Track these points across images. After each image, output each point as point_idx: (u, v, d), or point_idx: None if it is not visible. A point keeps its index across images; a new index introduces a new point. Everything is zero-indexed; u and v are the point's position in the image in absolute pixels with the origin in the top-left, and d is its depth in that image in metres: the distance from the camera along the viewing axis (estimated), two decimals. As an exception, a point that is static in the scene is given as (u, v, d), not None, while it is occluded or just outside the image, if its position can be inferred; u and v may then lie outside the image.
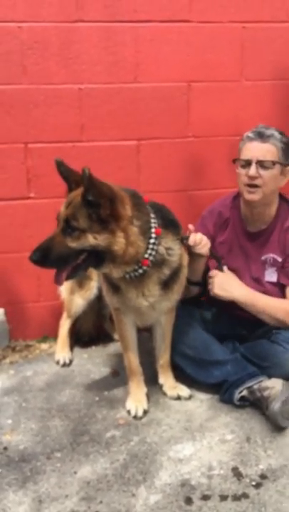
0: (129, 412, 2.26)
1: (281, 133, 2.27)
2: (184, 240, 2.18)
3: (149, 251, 1.99)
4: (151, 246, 1.99)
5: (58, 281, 1.98)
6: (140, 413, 2.24)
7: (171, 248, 2.09)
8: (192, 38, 2.78)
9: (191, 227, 2.24)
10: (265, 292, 2.36)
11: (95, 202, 1.83)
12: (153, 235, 2.00)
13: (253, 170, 2.21)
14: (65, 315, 2.88)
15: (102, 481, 1.87)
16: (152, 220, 2.01)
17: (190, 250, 2.24)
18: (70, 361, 2.77)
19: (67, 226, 1.88)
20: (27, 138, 2.73)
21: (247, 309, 2.32)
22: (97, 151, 2.80)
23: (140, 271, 2.02)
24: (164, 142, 2.88)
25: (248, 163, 2.24)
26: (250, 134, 2.27)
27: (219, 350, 2.37)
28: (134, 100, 2.79)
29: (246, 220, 2.45)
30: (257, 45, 2.85)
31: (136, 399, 2.30)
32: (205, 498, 1.77)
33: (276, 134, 2.24)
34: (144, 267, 2.01)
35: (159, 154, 2.89)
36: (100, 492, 1.82)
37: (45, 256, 1.89)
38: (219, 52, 2.82)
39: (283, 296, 2.35)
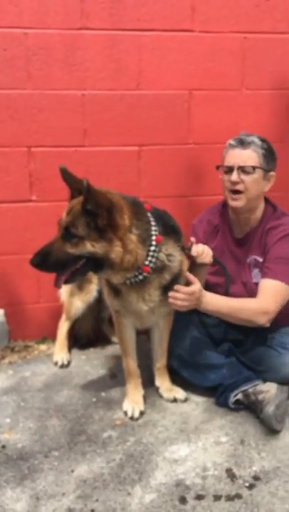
0: (125, 413, 2.30)
1: (262, 139, 2.34)
2: (186, 250, 2.22)
3: (149, 258, 2.04)
4: (151, 253, 2.04)
5: (57, 285, 2.04)
6: (137, 414, 2.28)
7: (172, 255, 2.13)
8: (194, 47, 2.84)
9: (192, 239, 2.29)
10: (253, 295, 2.40)
11: (93, 211, 1.89)
12: (153, 243, 2.05)
13: (234, 175, 2.28)
14: (64, 317, 2.92)
15: (99, 479, 1.91)
16: (153, 228, 2.05)
17: (193, 260, 2.28)
18: (68, 362, 2.81)
19: (67, 232, 1.94)
20: (30, 142, 2.78)
21: (217, 317, 2.32)
22: (99, 155, 2.85)
23: (140, 277, 2.07)
24: (164, 148, 2.93)
25: (230, 170, 2.31)
26: (232, 142, 2.35)
27: (215, 354, 2.41)
28: (136, 107, 2.84)
29: (234, 225, 2.51)
30: (257, 56, 2.91)
31: (133, 400, 2.34)
32: (199, 497, 1.81)
33: (256, 140, 2.31)
34: (145, 274, 2.06)
35: (159, 160, 2.94)
36: (96, 490, 1.86)
37: (44, 260, 1.96)
38: (220, 61, 2.88)
39: None
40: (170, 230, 2.16)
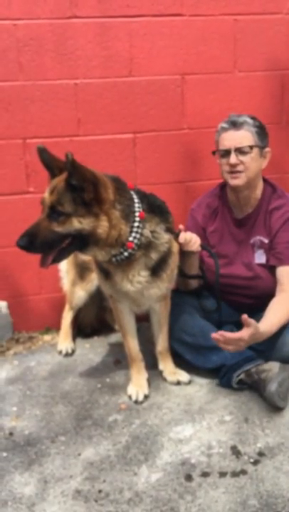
0: (130, 397, 2.33)
1: (253, 118, 2.36)
2: (174, 236, 2.23)
3: (133, 234, 2.04)
4: (135, 229, 2.04)
5: (44, 265, 2.00)
6: (141, 398, 2.31)
7: (157, 232, 2.13)
8: (184, 31, 2.82)
9: (181, 227, 2.31)
10: (256, 276, 2.41)
11: (78, 186, 1.89)
12: (137, 219, 2.05)
13: (233, 158, 2.29)
14: (67, 307, 2.94)
15: (105, 461, 1.94)
16: (136, 205, 2.06)
17: (181, 247, 2.30)
18: (73, 351, 2.84)
19: (53, 211, 1.92)
20: (25, 133, 2.78)
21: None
22: (94, 144, 2.86)
23: (126, 254, 2.05)
24: (159, 135, 2.93)
25: (227, 153, 2.32)
26: (224, 125, 2.36)
27: (217, 336, 2.42)
28: (129, 94, 2.84)
29: (234, 206, 2.52)
30: (249, 37, 2.90)
31: (137, 384, 2.37)
32: (205, 475, 1.83)
33: (248, 119, 2.33)
34: (130, 250, 2.05)
35: (154, 147, 2.94)
36: (103, 472, 1.88)
37: (32, 241, 1.92)
38: (212, 44, 2.87)
39: (273, 276, 2.39)
40: (156, 209, 2.17)
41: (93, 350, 2.87)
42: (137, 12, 2.75)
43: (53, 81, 2.75)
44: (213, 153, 2.42)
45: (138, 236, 2.05)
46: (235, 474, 1.82)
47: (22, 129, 2.78)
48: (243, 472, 1.83)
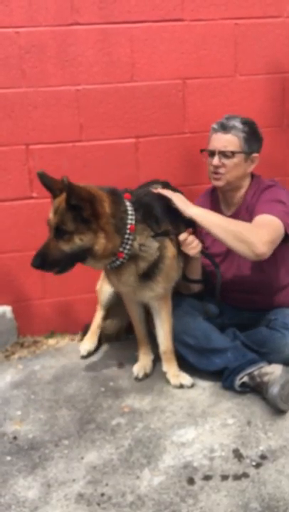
0: (133, 373, 2.54)
1: (245, 122, 2.38)
2: (170, 235, 2.28)
3: (123, 245, 2.16)
4: (125, 241, 2.16)
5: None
6: (141, 375, 2.51)
7: (145, 245, 2.21)
8: (186, 36, 2.84)
9: (189, 230, 2.33)
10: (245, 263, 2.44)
11: (76, 205, 2.00)
12: (128, 231, 2.15)
13: (216, 160, 2.36)
14: (98, 307, 2.91)
15: (108, 465, 1.95)
16: (129, 217, 2.16)
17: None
18: (92, 351, 2.82)
19: (58, 231, 2.06)
20: (28, 139, 2.81)
21: (203, 225, 2.24)
22: (97, 149, 2.88)
23: (118, 262, 2.20)
24: (161, 139, 2.95)
25: (212, 153, 2.38)
26: (215, 126, 2.41)
27: (219, 339, 2.43)
28: (131, 99, 2.86)
29: (222, 205, 2.57)
30: (249, 41, 2.91)
31: (141, 364, 2.57)
32: (207, 478, 1.84)
33: (238, 124, 2.36)
34: (120, 259, 2.19)
35: (157, 151, 2.96)
36: (106, 475, 1.89)
37: (44, 260, 2.09)
38: (213, 49, 2.89)
39: (258, 264, 2.39)
40: (151, 219, 2.24)
41: (97, 354, 2.87)
42: (138, 18, 2.77)
43: (55, 87, 2.77)
44: (201, 151, 2.47)
45: (128, 247, 2.17)
46: (237, 477, 1.83)
47: (25, 135, 2.80)
48: (245, 475, 1.84)
